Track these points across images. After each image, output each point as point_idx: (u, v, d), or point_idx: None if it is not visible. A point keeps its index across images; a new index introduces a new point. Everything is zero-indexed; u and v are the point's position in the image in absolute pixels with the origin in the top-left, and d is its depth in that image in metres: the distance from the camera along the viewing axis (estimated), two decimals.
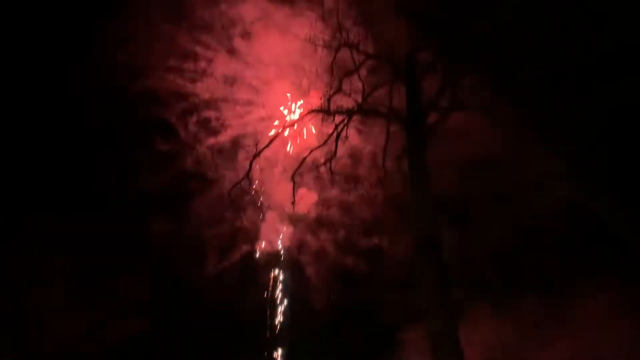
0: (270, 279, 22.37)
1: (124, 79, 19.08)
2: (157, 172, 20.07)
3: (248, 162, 14.55)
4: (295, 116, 14.23)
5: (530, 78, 14.76)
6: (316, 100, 14.31)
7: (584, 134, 14.77)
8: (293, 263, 22.70)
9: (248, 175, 14.04)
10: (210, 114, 20.95)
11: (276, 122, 19.24)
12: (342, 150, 17.30)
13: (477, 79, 14.22)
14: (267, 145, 14.56)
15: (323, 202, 22.63)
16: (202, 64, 20.21)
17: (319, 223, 22.66)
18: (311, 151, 15.30)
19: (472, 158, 17.21)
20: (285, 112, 18.35)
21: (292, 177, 14.71)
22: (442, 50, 14.30)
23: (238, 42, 20.19)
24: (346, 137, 15.04)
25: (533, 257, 17.79)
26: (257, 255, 22.15)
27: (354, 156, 21.75)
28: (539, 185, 16.64)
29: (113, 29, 18.30)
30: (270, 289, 22.32)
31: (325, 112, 14.19)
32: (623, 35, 12.73)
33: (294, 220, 21.30)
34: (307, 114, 14.21)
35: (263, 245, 21.98)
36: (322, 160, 15.12)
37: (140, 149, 20.18)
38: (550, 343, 15.71)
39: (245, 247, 21.49)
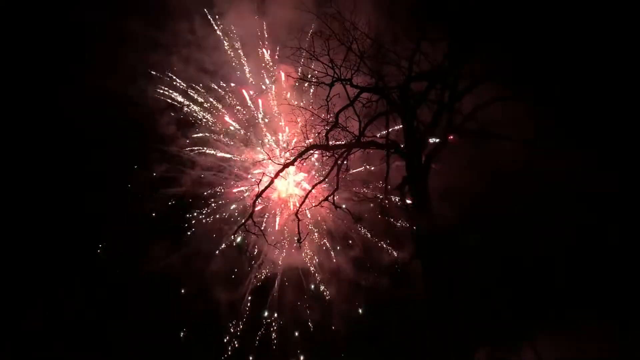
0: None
1: None
2: None
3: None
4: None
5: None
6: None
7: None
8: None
9: (251, 216, 14.08)
10: None
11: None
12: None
13: (473, 102, 14.22)
14: (269, 185, 14.65)
15: None
16: None
17: None
18: (314, 186, 15.37)
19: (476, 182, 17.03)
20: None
21: (296, 214, 14.75)
22: (436, 76, 14.31)
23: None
24: (347, 169, 15.10)
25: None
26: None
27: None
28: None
29: None
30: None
31: (324, 147, 14.28)
32: None
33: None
34: (306, 150, 14.27)
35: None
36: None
37: None
38: None
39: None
